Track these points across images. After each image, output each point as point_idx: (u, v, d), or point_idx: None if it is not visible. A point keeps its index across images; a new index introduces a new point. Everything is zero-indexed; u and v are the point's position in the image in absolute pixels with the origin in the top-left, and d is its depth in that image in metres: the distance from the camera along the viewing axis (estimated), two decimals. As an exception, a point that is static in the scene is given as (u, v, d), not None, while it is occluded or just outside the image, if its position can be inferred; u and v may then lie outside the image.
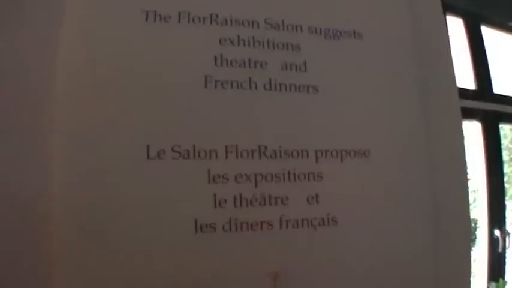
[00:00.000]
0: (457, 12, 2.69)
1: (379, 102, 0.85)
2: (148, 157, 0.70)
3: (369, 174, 0.81)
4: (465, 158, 0.92)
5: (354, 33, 0.85)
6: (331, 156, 0.78)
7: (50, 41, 0.71)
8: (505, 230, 2.66)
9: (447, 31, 0.99)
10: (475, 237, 2.87)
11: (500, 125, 2.78)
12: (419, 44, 0.90)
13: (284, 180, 0.75)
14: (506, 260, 2.69)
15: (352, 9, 0.87)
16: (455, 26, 2.72)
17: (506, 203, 2.79)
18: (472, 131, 2.66)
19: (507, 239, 2.65)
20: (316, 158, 0.77)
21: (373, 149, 0.81)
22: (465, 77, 2.68)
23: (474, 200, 2.83)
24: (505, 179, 2.88)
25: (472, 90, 2.67)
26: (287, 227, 0.74)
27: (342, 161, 0.79)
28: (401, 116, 0.86)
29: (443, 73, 0.93)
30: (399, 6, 0.91)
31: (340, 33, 0.84)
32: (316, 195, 0.76)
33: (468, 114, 2.53)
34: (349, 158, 0.79)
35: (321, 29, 0.83)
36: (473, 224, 2.85)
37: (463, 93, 2.59)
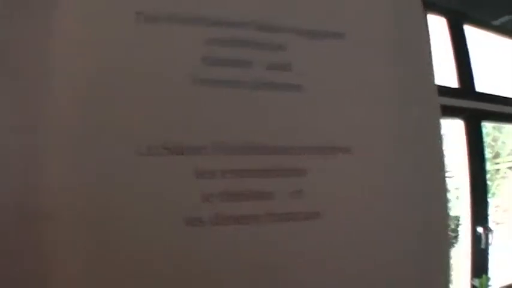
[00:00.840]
0: (440, 11, 2.72)
1: (361, 101, 0.86)
2: (138, 154, 0.71)
3: (351, 170, 0.82)
4: (443, 158, 0.94)
5: (337, 34, 0.87)
6: (315, 153, 0.80)
7: (43, 42, 0.71)
8: (488, 227, 2.71)
9: (428, 33, 1.01)
10: (458, 234, 2.92)
11: (483, 123, 2.83)
12: (401, 45, 0.92)
13: (269, 175, 0.77)
14: (489, 256, 2.74)
15: (336, 11, 0.89)
16: (438, 25, 2.75)
17: (489, 200, 2.84)
18: (455, 129, 2.70)
19: (490, 235, 2.70)
20: (301, 154, 0.79)
21: (356, 146, 0.83)
22: (448, 75, 2.72)
23: (457, 198, 2.88)
24: (487, 176, 2.93)
25: (455, 88, 2.72)
26: (272, 221, 0.76)
27: (325, 157, 0.81)
28: (383, 115, 0.87)
29: (424, 74, 0.95)
30: (381, 8, 0.93)
31: (324, 33, 0.86)
32: (301, 191, 0.78)
33: (451, 112, 2.57)
34: (332, 154, 0.81)
35: (305, 30, 0.84)
36: (456, 221, 2.90)
37: (446, 91, 2.64)
